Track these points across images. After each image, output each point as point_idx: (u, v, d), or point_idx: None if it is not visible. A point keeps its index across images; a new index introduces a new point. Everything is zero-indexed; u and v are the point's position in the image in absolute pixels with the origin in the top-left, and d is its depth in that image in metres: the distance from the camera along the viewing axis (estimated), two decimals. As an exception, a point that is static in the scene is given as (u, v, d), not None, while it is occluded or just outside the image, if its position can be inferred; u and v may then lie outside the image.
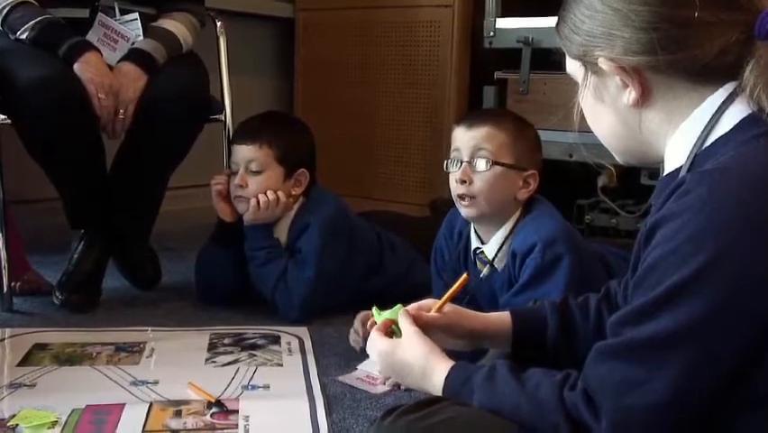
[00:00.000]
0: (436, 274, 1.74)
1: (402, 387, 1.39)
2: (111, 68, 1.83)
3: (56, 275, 1.96)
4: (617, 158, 1.02)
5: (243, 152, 1.86)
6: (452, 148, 1.58)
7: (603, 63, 0.91)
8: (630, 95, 0.92)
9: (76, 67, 1.76)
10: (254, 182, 1.85)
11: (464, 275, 1.22)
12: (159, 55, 1.89)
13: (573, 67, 0.98)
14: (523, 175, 1.56)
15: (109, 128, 1.82)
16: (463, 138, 1.56)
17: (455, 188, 1.56)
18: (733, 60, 0.87)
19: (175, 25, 1.97)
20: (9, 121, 1.81)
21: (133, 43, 1.90)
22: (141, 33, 1.91)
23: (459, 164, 1.56)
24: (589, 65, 0.94)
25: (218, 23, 2.24)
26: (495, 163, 1.53)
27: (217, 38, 2.24)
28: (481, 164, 1.54)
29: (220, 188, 1.90)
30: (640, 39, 0.88)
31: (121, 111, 1.81)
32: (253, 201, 1.85)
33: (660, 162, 0.96)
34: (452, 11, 2.72)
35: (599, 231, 2.37)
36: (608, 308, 1.13)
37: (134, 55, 1.87)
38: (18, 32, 1.80)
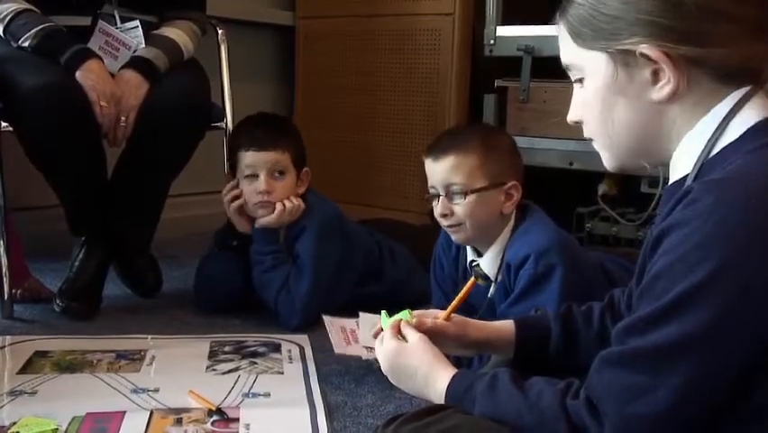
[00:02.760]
0: (435, 284, 1.75)
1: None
2: (112, 75, 1.83)
3: (56, 282, 1.96)
4: (611, 161, 0.98)
5: (267, 157, 1.85)
6: (429, 183, 1.58)
7: (648, 51, 0.87)
8: (663, 89, 0.89)
9: (78, 74, 1.76)
10: (280, 186, 1.86)
11: (471, 280, 1.22)
12: (160, 63, 1.89)
13: (582, 57, 0.94)
14: (503, 189, 1.55)
15: (111, 136, 1.82)
16: (433, 172, 1.56)
17: (440, 220, 1.57)
18: (756, 67, 0.87)
19: (176, 33, 1.97)
20: (11, 128, 1.81)
21: (135, 51, 1.90)
22: (143, 41, 1.92)
23: (438, 197, 1.56)
24: (618, 54, 0.90)
25: (220, 31, 2.25)
26: (470, 192, 1.53)
27: (219, 45, 2.25)
28: (457, 197, 1.53)
29: (240, 202, 1.89)
30: (691, 28, 0.86)
31: (123, 118, 1.81)
32: (279, 206, 1.85)
33: (655, 167, 0.96)
34: (453, 19, 2.72)
35: (599, 239, 2.37)
36: (612, 317, 1.14)
37: (136, 62, 1.87)
38: (20, 40, 1.80)
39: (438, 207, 1.56)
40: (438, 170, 1.55)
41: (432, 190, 1.58)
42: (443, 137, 1.62)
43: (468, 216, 1.53)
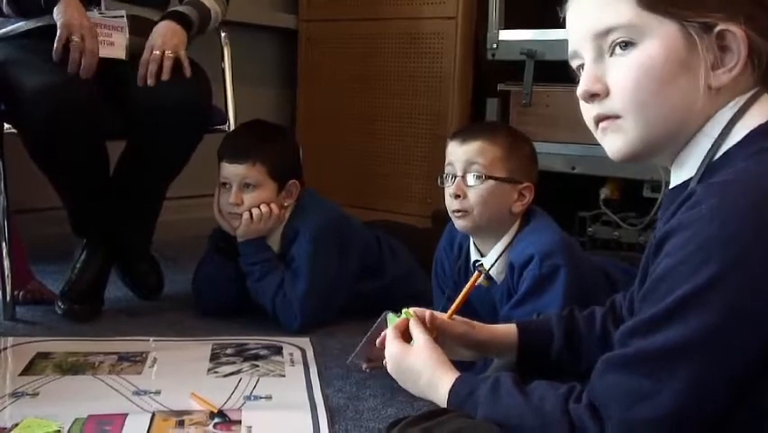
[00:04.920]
0: (437, 286, 1.75)
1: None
2: (122, 61, 1.85)
3: (58, 284, 1.96)
4: (633, 142, 0.90)
5: (236, 170, 1.86)
6: (447, 162, 1.59)
7: (736, 30, 0.84)
8: (725, 75, 0.85)
9: (55, 11, 1.75)
10: (249, 198, 1.86)
11: (475, 274, 1.23)
12: (193, 16, 1.95)
13: (645, 21, 0.86)
14: (517, 188, 1.56)
15: (74, 69, 1.74)
16: (457, 152, 1.57)
17: (450, 202, 1.58)
18: None
19: None
20: (14, 130, 1.81)
21: (128, 33, 1.89)
22: (127, 27, 1.90)
23: (453, 179, 1.57)
24: (698, 27, 0.85)
25: (223, 34, 2.25)
26: (488, 177, 1.54)
27: (221, 48, 2.25)
28: (474, 178, 1.54)
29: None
30: None
31: (168, 52, 1.82)
32: (246, 215, 1.85)
33: (658, 162, 0.94)
34: (456, 23, 2.73)
35: (601, 243, 2.37)
36: (614, 321, 1.14)
37: (170, 15, 1.93)
38: None
39: (452, 187, 1.56)
40: (462, 152, 1.56)
41: (448, 169, 1.58)
42: (473, 126, 1.68)
43: (479, 203, 1.54)
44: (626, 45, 0.88)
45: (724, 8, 0.85)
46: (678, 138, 0.90)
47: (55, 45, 1.73)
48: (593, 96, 0.91)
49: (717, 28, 0.84)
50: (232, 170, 1.86)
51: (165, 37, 1.85)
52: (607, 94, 0.90)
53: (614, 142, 0.91)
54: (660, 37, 0.86)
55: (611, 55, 0.89)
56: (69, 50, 1.73)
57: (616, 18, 0.88)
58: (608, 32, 0.89)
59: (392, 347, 1.11)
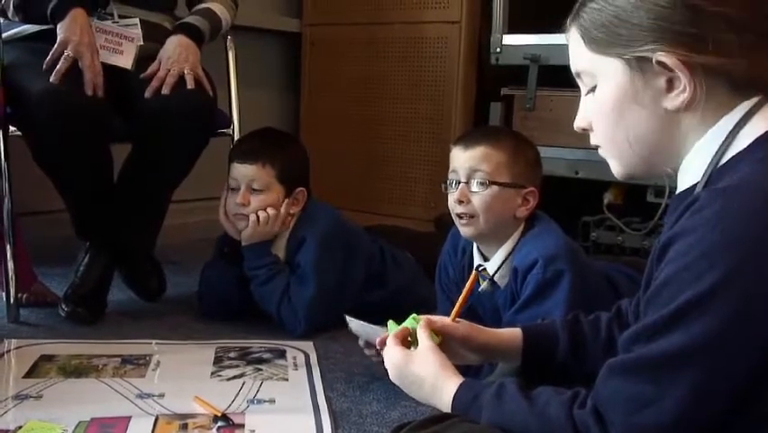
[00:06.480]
0: (441, 291, 1.74)
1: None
2: (126, 71, 1.85)
3: (62, 287, 1.97)
4: (620, 169, 0.98)
5: (246, 170, 1.86)
6: (450, 168, 1.59)
7: (665, 58, 0.86)
8: (678, 97, 0.88)
9: (58, 26, 1.76)
10: (256, 200, 1.86)
11: (473, 273, 1.23)
12: (204, 28, 1.96)
13: (595, 64, 0.93)
14: (522, 193, 1.57)
15: (56, 79, 1.72)
16: (460, 158, 1.57)
17: (454, 207, 1.58)
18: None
19: (213, 5, 2.05)
20: (19, 133, 1.82)
21: (139, 43, 1.89)
22: (141, 38, 1.90)
23: (457, 185, 1.57)
24: (634, 61, 0.89)
25: (228, 38, 2.25)
26: (492, 183, 1.54)
27: (226, 52, 2.25)
28: (478, 185, 1.54)
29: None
30: (709, 37, 0.85)
31: (187, 70, 1.83)
32: (253, 217, 1.86)
33: (668, 176, 0.96)
34: (460, 27, 2.73)
35: (605, 248, 2.37)
36: (619, 327, 1.14)
37: (181, 28, 1.93)
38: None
39: (456, 193, 1.56)
40: (466, 158, 1.56)
41: (452, 176, 1.58)
42: (476, 131, 1.67)
43: (483, 210, 1.54)
44: (593, 89, 0.95)
45: (654, 39, 0.87)
46: (663, 158, 0.93)
47: (48, 57, 1.74)
48: (584, 130, 1.00)
49: (654, 58, 0.87)
50: (241, 171, 1.87)
51: (181, 55, 1.86)
52: (592, 128, 0.98)
53: (611, 166, 0.99)
54: (609, 76, 0.92)
55: (587, 93, 0.98)
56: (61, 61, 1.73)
57: (579, 63, 0.96)
58: (578, 75, 0.98)
59: (394, 355, 1.10)
